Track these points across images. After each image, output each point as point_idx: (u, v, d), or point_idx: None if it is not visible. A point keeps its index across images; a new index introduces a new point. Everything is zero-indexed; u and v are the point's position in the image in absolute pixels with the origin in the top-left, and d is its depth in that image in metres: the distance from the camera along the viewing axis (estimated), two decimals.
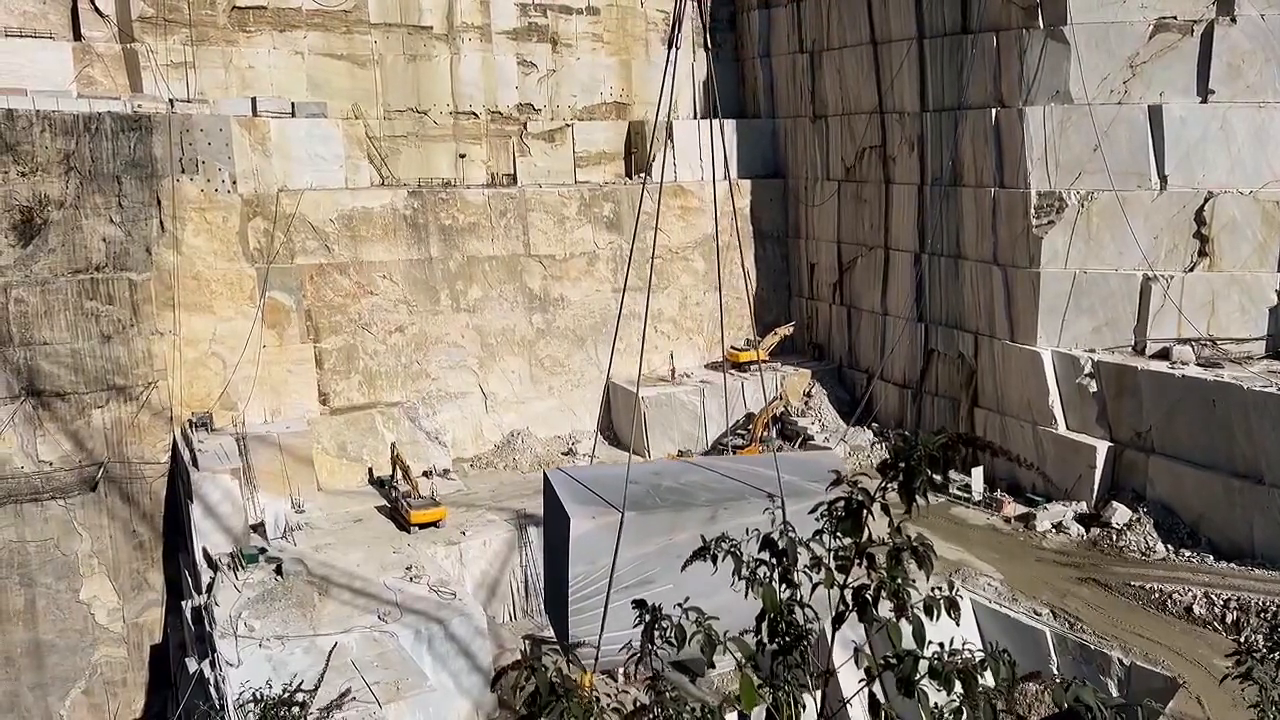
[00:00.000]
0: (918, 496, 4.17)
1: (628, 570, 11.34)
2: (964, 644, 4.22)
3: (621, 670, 31.60)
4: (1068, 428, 37.40)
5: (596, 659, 11.49)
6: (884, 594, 4.23)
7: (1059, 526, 35.58)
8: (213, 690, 27.24)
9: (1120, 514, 34.53)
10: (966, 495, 38.31)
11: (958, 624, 4.21)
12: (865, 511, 4.28)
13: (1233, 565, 31.41)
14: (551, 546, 12.88)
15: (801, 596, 4.64)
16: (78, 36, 39.27)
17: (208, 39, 40.93)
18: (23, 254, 34.40)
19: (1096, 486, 35.98)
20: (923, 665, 4.03)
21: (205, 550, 33.38)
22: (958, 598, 4.26)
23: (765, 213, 51.47)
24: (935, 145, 42.36)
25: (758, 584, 4.60)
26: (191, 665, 30.38)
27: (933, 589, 4.32)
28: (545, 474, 12.75)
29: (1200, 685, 26.22)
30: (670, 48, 15.06)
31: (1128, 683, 27.50)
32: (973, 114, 40.15)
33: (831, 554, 4.42)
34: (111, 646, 35.76)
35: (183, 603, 34.14)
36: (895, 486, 4.24)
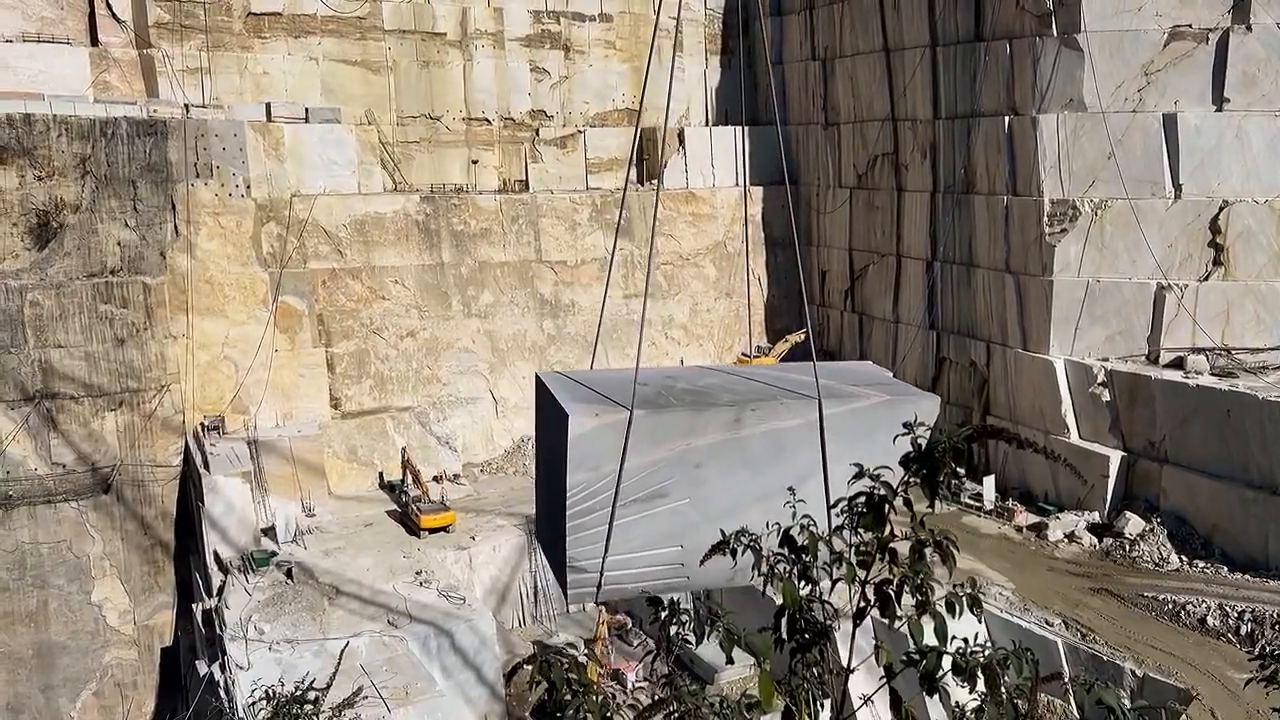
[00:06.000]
0: (941, 490, 4.13)
1: (637, 480, 9.48)
2: (987, 641, 4.16)
3: (633, 676, 31.52)
4: (1080, 437, 37.19)
5: (599, 586, 9.76)
6: (906, 589, 4.19)
7: (1071, 536, 35.35)
8: (223, 693, 27.28)
9: (1133, 524, 34.28)
10: (978, 504, 38.15)
11: (979, 620, 4.16)
12: (888, 506, 4.25)
13: (1247, 577, 31.15)
14: (545, 456, 10.73)
15: (821, 593, 4.59)
16: (95, 42, 39.58)
17: (223, 45, 41.21)
18: (38, 257, 34.62)
19: (1109, 496, 35.75)
20: (946, 661, 3.99)
21: (216, 553, 33.45)
22: (980, 594, 4.21)
23: (777, 219, 51.47)
24: (948, 153, 42.28)
25: (777, 579, 4.56)
26: (202, 668, 30.43)
27: (955, 586, 4.28)
28: (537, 375, 10.70)
29: (1214, 698, 25.98)
30: (652, 51, 14.60)
31: (1140, 695, 27.27)
32: (986, 121, 40.08)
33: (853, 549, 4.38)
34: (122, 648, 35.85)
35: (193, 605, 34.21)
36: (918, 480, 4.21)
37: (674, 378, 10.97)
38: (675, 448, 9.55)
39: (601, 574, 9.62)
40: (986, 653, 4.07)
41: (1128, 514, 34.65)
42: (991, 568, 33.33)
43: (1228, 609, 29.45)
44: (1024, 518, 36.75)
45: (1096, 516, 35.80)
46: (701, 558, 4.94)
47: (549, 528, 10.55)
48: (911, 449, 4.20)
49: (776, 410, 9.74)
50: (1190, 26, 35.89)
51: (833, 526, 4.45)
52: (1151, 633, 29.26)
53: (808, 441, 9.43)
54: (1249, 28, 35.23)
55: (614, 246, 15.64)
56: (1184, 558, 32.87)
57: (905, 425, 4.20)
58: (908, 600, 4.37)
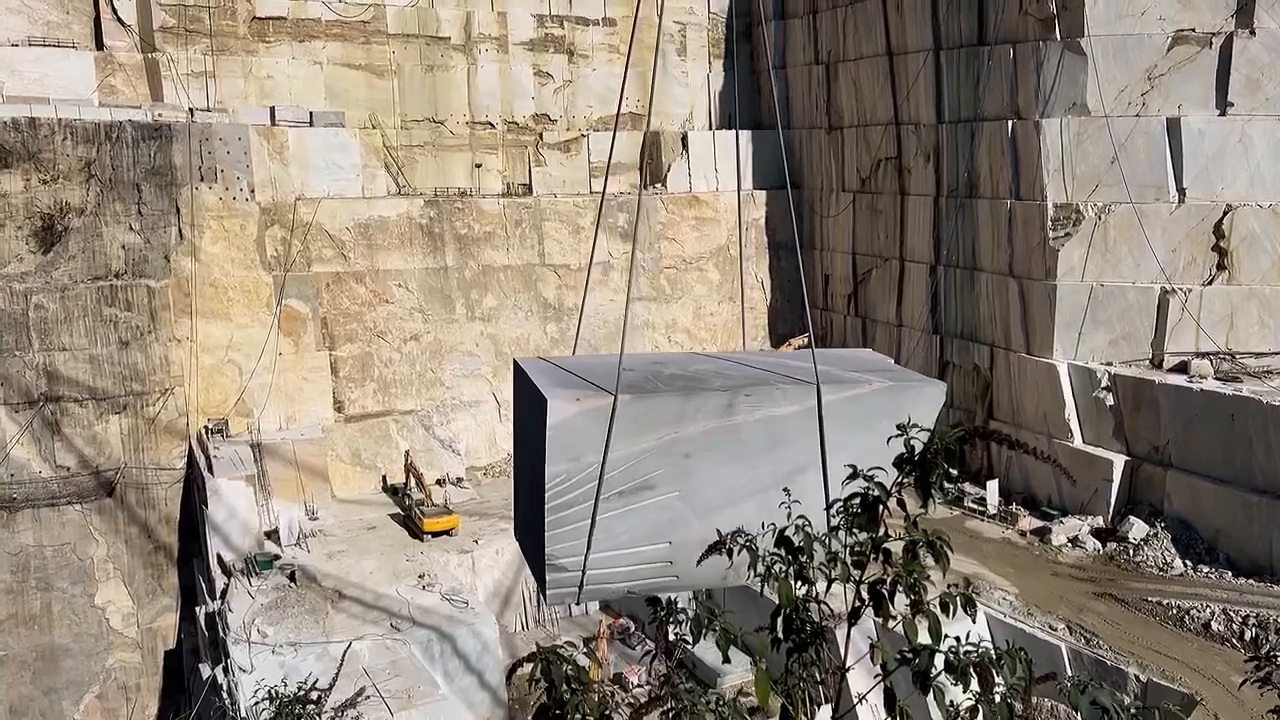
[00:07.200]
0: (934, 491, 4.15)
1: (622, 471, 8.77)
2: (980, 640, 4.19)
3: (635, 679, 31.49)
4: (1084, 441, 37.14)
5: (581, 586, 9.05)
6: (900, 588, 4.20)
7: (1075, 541, 35.29)
8: (225, 695, 27.32)
9: (1137, 529, 34.23)
10: (981, 508, 38.10)
11: (973, 620, 4.17)
12: (881, 506, 4.27)
13: (1251, 581, 31.08)
14: (523, 447, 10.08)
15: (817, 593, 4.60)
16: (100, 46, 39.73)
17: (228, 49, 41.34)
18: (43, 261, 34.74)
19: (1113, 501, 35.69)
20: (939, 660, 4.00)
21: (219, 556, 33.50)
22: (974, 595, 4.22)
23: (780, 223, 51.51)
24: (951, 157, 42.29)
25: (773, 579, 4.57)
26: (205, 671, 30.47)
27: (949, 585, 4.30)
28: (515, 361, 9.72)
29: (1218, 703, 25.91)
30: (631, 51, 14.41)
31: (1144, 699, 27.21)
32: (989, 125, 40.08)
33: (848, 549, 4.39)
34: (126, 651, 35.92)
35: (197, 608, 34.27)
36: (911, 481, 4.23)
37: (662, 363, 10.20)
38: (663, 436, 8.76)
39: (584, 573, 8.91)
40: (980, 650, 4.09)
41: (1132, 519, 34.60)
42: (995, 572, 33.28)
43: (1231, 614, 29.38)
44: (1028, 522, 36.69)
45: (1100, 521, 35.74)
46: (697, 558, 4.89)
47: (527, 524, 9.85)
48: (909, 445, 4.19)
49: (772, 396, 8.95)
50: (1194, 30, 35.89)
51: (830, 526, 4.40)
52: (1155, 638, 29.20)
53: (805, 430, 8.74)
54: (1252, 31, 35.23)
55: (593, 246, 15.71)
56: (1188, 562, 32.81)
57: (899, 427, 4.17)
58: (905, 601, 4.38)
